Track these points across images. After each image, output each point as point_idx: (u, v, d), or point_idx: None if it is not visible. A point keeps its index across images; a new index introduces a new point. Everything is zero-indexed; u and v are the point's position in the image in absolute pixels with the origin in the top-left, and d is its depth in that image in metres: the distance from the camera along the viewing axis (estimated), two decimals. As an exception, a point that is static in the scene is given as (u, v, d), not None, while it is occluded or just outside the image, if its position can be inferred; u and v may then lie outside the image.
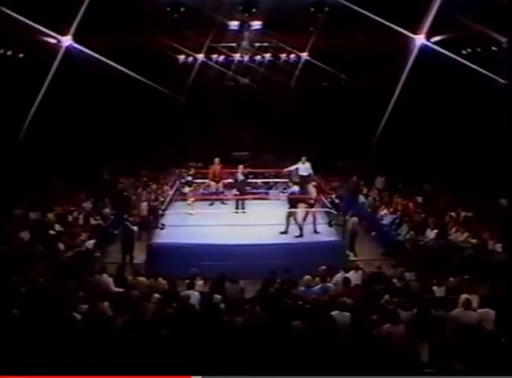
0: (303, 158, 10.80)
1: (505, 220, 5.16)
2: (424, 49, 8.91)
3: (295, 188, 9.21)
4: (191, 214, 10.06)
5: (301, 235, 8.78)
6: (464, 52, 10.11)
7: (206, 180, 11.40)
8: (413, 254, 8.85)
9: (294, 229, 8.95)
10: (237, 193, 10.93)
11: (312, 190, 9.60)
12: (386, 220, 10.69)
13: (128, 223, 9.42)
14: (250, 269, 7.41)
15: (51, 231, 8.93)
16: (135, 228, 9.50)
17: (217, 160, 10.58)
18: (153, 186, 13.19)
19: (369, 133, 13.84)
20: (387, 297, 5.99)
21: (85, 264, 7.93)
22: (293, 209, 8.89)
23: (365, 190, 12.74)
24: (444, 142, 11.77)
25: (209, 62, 14.32)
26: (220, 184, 10.84)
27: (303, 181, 10.52)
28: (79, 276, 6.82)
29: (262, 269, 6.99)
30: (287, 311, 5.54)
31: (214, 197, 10.95)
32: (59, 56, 9.02)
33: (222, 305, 5.87)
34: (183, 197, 10.87)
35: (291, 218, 8.87)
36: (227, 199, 11.34)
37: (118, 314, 5.44)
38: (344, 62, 13.53)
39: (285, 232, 8.84)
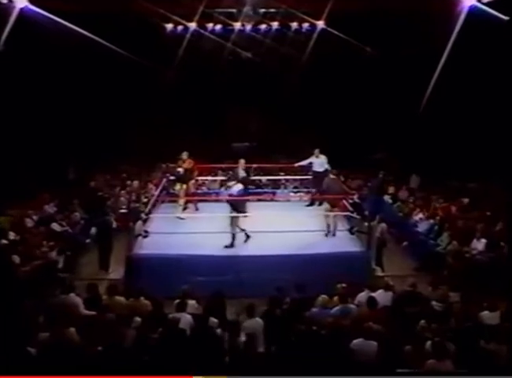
0: (316, 151, 10.79)
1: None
2: (474, 12, 8.63)
3: (238, 187, 9.13)
4: (181, 219, 10.06)
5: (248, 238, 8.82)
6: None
7: (201, 177, 11.39)
8: (456, 270, 8.75)
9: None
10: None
11: (334, 187, 9.54)
12: (422, 227, 10.61)
13: (107, 218, 9.62)
14: (253, 286, 7.38)
15: (3, 240, 8.82)
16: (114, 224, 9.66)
17: (184, 154, 10.55)
18: (135, 184, 13.19)
19: (400, 120, 13.80)
20: (423, 322, 5.93)
21: (47, 281, 7.89)
22: (235, 214, 8.84)
23: (391, 190, 12.71)
24: (496, 131, 11.62)
25: (203, 32, 14.30)
26: (191, 185, 10.73)
27: (318, 178, 10.52)
28: (39, 295, 6.77)
29: (268, 286, 6.93)
30: (298, 338, 5.48)
31: (212, 197, 10.94)
32: (11, 20, 8.86)
33: (219, 331, 5.84)
34: (172, 197, 10.84)
35: (235, 226, 8.84)
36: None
37: (89, 343, 5.40)
38: (370, 31, 13.44)
39: (231, 246, 8.79)
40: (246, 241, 8.88)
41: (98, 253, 9.51)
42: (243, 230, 8.88)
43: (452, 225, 10.05)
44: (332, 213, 9.52)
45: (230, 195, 9.17)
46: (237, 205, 8.94)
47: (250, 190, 10.77)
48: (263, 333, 5.95)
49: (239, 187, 9.13)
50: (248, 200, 9.52)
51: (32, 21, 9.25)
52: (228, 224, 8.89)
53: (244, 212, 8.94)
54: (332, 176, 9.78)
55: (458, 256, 9.13)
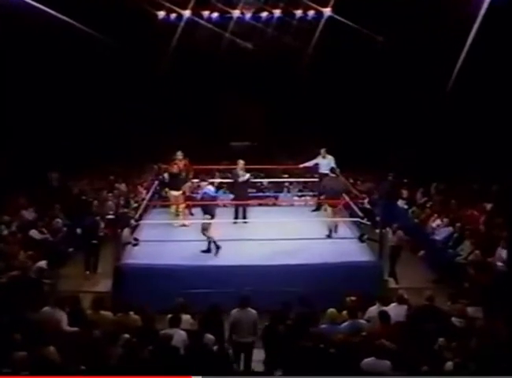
0: (323, 151, 10.81)
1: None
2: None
3: (209, 189, 9.12)
4: (175, 226, 10.06)
5: (208, 250, 8.91)
6: None
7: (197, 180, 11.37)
8: (478, 282, 8.72)
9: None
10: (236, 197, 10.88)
11: (334, 186, 9.63)
12: (440, 235, 10.60)
13: (95, 219, 9.81)
14: (254, 299, 7.33)
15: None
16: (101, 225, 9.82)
17: (179, 154, 10.56)
18: (123, 187, 13.20)
19: (415, 117, 13.79)
20: (442, 340, 5.90)
21: (25, 294, 7.85)
22: (208, 220, 8.86)
23: (405, 194, 12.70)
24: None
25: (198, 20, 14.35)
26: (187, 189, 10.63)
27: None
28: (16, 310, 6.74)
29: (270, 299, 6.97)
30: (304, 356, 5.47)
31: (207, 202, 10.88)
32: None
33: (215, 348, 5.83)
34: (165, 202, 10.83)
35: (206, 232, 8.88)
36: (223, 205, 11.36)
37: (71, 362, 5.37)
38: (382, 19, 13.48)
39: (207, 251, 8.91)
40: (217, 252, 8.90)
41: (84, 257, 9.61)
42: (210, 237, 8.88)
43: (474, 233, 10.02)
44: (337, 219, 9.58)
45: (201, 198, 9.18)
46: (206, 209, 8.95)
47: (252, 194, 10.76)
48: (254, 326, 6.55)
49: (210, 188, 9.15)
50: (218, 204, 9.49)
51: (13, 7, 9.30)
52: (200, 230, 8.93)
53: (213, 216, 8.93)
54: (331, 175, 9.83)
55: (480, 267, 9.09)
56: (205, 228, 8.88)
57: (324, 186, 9.89)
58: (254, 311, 6.62)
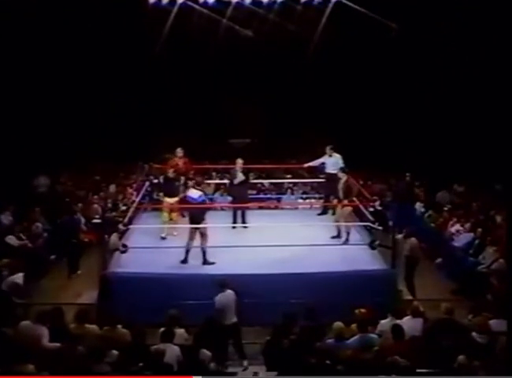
0: (328, 148, 10.82)
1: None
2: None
3: (197, 193, 9.04)
4: (171, 234, 10.06)
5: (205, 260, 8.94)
6: None
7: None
8: (502, 294, 8.71)
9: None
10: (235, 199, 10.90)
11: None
12: (459, 241, 10.62)
13: (75, 217, 10.02)
14: (255, 311, 7.39)
15: None
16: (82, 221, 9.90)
17: (179, 151, 10.53)
18: (111, 188, 13.22)
19: (433, 113, 13.79)
20: (462, 358, 5.89)
21: (1, 307, 7.81)
22: (194, 225, 8.86)
23: (421, 196, 12.71)
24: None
25: (193, 5, 14.40)
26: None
27: (332, 181, 10.54)
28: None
29: (271, 312, 6.96)
30: (309, 374, 5.48)
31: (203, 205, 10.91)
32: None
33: (212, 365, 5.85)
34: (157, 205, 10.87)
35: (191, 239, 8.89)
36: (221, 208, 11.40)
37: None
38: (397, 4, 13.50)
39: (185, 261, 8.91)
40: (204, 263, 8.94)
41: (67, 262, 9.66)
42: (187, 246, 8.88)
43: (497, 239, 10.00)
44: (346, 224, 9.60)
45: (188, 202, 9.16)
46: (193, 215, 9.01)
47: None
48: (235, 306, 7.22)
49: (197, 193, 9.08)
50: (207, 209, 9.42)
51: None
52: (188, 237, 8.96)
53: (199, 223, 8.91)
54: (340, 175, 9.88)
55: (504, 276, 9.07)
56: (190, 235, 8.89)
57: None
58: (232, 292, 7.27)
